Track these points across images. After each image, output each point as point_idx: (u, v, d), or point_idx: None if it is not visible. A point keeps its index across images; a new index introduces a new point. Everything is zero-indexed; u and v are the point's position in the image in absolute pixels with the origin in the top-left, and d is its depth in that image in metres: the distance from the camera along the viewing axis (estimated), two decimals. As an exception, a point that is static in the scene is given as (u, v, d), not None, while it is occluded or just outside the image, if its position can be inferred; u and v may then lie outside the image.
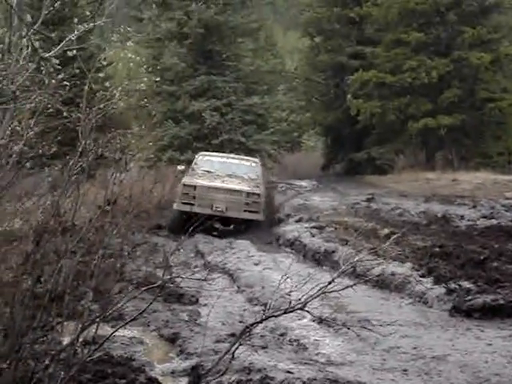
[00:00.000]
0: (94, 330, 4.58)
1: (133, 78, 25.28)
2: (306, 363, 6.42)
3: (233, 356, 4.31)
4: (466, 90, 29.60)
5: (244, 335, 4.26)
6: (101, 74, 22.96)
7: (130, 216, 5.29)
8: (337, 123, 34.14)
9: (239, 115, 23.89)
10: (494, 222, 14.75)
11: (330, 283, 4.65)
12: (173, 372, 6.41)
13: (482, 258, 10.15)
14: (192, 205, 15.04)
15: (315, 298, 4.63)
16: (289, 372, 6.02)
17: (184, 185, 15.41)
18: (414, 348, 6.96)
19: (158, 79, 24.21)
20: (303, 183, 29.82)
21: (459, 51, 29.24)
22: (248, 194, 15.29)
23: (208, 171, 16.21)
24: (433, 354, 6.74)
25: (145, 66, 27.27)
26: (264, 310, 4.55)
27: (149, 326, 8.15)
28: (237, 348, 4.26)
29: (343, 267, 4.83)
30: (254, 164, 16.97)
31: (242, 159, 17.50)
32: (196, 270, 10.90)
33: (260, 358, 6.54)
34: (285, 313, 4.56)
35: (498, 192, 21.06)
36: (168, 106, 24.08)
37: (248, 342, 6.77)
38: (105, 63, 24.59)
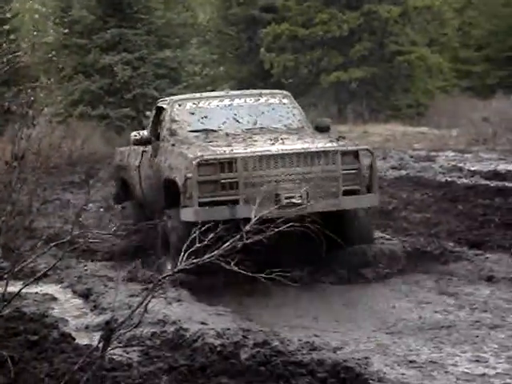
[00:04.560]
0: (2, 287, 4.53)
1: (40, 30, 24.58)
2: (219, 314, 6.53)
3: (145, 309, 4.33)
4: (376, 43, 30.00)
5: (156, 288, 4.28)
6: (6, 27, 22.24)
7: (38, 171, 5.21)
8: (251, 77, 34.09)
9: (152, 69, 23.57)
10: (403, 172, 15.13)
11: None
12: (87, 327, 6.42)
13: (390, 207, 10.43)
14: (232, 203, 7.46)
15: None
16: (203, 323, 6.13)
17: (200, 164, 7.51)
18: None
19: (66, 31, 23.62)
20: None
21: (369, 4, 29.50)
22: (345, 154, 7.82)
23: (210, 130, 8.62)
24: (342, 302, 6.95)
25: (52, 18, 26.53)
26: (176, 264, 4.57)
27: (62, 282, 8.12)
28: (149, 301, 4.28)
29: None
30: (285, 100, 9.18)
31: (260, 95, 9.29)
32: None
33: (175, 310, 6.63)
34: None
35: (407, 143, 21.58)
36: (78, 60, 23.54)
37: (163, 296, 6.85)
38: (10, 15, 23.80)
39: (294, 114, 9.00)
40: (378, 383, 4.82)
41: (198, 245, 4.63)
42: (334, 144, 7.94)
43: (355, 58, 29.56)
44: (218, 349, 5.30)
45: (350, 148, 7.94)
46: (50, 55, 21.19)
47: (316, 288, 7.44)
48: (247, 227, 5.10)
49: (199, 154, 7.64)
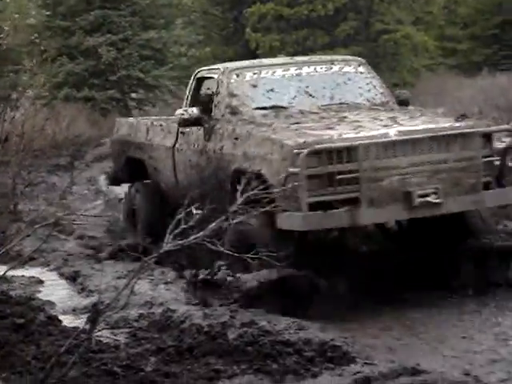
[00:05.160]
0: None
1: (22, 12, 24.36)
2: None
3: (132, 290, 4.31)
4: (362, 22, 29.95)
5: (142, 269, 4.28)
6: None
7: (22, 154, 5.18)
8: (237, 57, 33.92)
9: (136, 50, 23.43)
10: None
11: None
12: (74, 310, 6.43)
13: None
14: (355, 202, 5.95)
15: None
16: (190, 304, 6.13)
17: (309, 154, 5.93)
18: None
19: (49, 13, 23.44)
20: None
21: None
22: (485, 136, 6.38)
23: (279, 107, 7.18)
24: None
25: (34, 0, 26.31)
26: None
27: (48, 265, 8.09)
28: (135, 282, 4.27)
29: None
30: (362, 69, 7.72)
31: (332, 62, 7.75)
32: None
33: (162, 291, 6.63)
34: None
35: (394, 123, 21.47)
36: (62, 42, 23.35)
37: (150, 277, 6.87)
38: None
39: (374, 86, 7.52)
40: (364, 361, 4.85)
41: (183, 226, 4.62)
42: (463, 124, 6.43)
43: (341, 38, 29.53)
44: (206, 329, 5.31)
45: (491, 129, 6.46)
46: (33, 37, 21.00)
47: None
48: (233, 207, 5.09)
49: (300, 140, 6.04)
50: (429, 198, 5.98)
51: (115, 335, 5.29)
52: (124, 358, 4.76)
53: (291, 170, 5.88)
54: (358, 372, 4.64)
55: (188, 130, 7.48)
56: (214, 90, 7.32)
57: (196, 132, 7.36)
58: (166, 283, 6.95)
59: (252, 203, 5.18)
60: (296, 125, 6.60)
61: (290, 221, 5.89)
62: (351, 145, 5.97)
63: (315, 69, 7.51)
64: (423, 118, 6.79)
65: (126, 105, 23.94)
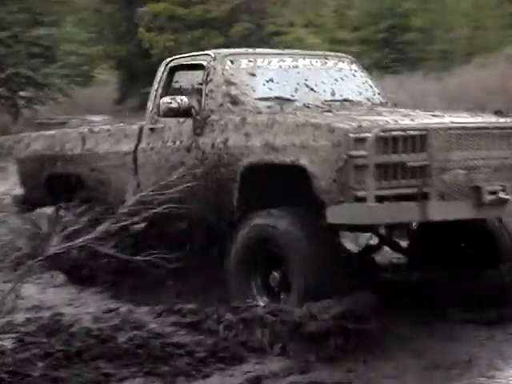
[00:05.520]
0: None
1: None
2: (96, 299, 6.46)
3: (17, 294, 4.21)
4: (255, 23, 30.27)
5: (27, 273, 4.18)
6: None
7: None
8: (129, 56, 33.61)
9: (25, 48, 22.86)
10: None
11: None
12: (-43, 316, 6.20)
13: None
14: (423, 198, 5.22)
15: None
16: (80, 307, 6.06)
17: (381, 137, 5.13)
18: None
19: None
20: (96, 118, 29.18)
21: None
22: None
23: (284, 99, 6.48)
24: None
25: None
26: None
27: None
28: (21, 286, 4.17)
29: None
30: (355, 67, 7.19)
31: (326, 57, 7.16)
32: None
33: (50, 295, 6.51)
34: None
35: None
36: None
37: (39, 281, 6.73)
38: None
39: (371, 86, 7.04)
40: (256, 361, 4.89)
41: (72, 228, 4.54)
42: (508, 119, 5.89)
43: (235, 39, 29.72)
44: (95, 333, 5.22)
45: None
46: None
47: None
48: (123, 209, 5.04)
49: (354, 124, 5.23)
50: (501, 195, 5.35)
51: (1, 340, 5.13)
52: (10, 364, 4.63)
53: (354, 153, 5.06)
54: (249, 372, 4.68)
55: (161, 125, 6.54)
56: (203, 78, 6.45)
57: (176, 126, 6.41)
58: (55, 287, 6.83)
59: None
60: (328, 113, 5.93)
61: (348, 213, 5.12)
62: (424, 128, 5.27)
63: (311, 62, 6.93)
64: (463, 113, 6.19)
65: (14, 103, 23.32)
